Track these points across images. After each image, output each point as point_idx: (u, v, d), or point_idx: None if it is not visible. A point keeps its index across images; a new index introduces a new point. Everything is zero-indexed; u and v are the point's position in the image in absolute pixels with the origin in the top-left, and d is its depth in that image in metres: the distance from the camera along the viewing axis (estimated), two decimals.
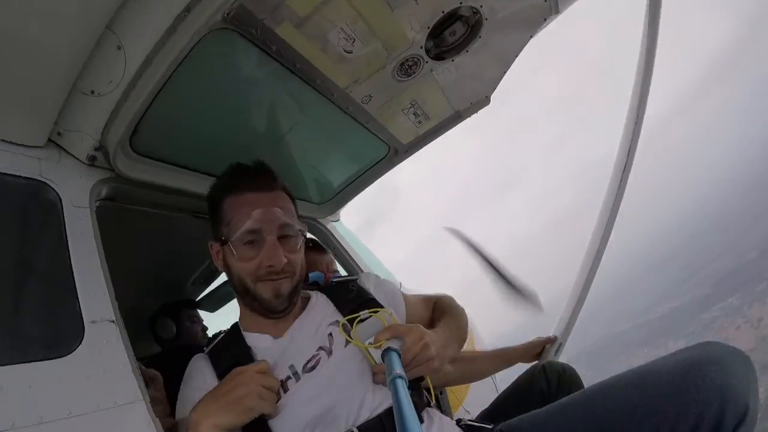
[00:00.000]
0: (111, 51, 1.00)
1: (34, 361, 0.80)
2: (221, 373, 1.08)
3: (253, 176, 1.15)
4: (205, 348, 1.20)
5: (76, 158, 1.10)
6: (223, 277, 2.30)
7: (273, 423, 0.98)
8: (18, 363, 0.78)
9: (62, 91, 1.00)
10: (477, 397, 1.95)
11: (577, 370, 1.63)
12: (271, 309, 1.12)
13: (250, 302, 1.14)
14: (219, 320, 2.48)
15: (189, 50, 1.04)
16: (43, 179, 0.99)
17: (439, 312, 1.36)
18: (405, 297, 1.35)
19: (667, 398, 0.82)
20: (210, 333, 2.21)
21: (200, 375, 1.11)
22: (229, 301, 2.40)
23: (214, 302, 2.37)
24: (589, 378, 1.44)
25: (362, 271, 2.27)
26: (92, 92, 1.04)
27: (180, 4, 0.97)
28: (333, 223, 2.33)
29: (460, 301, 1.41)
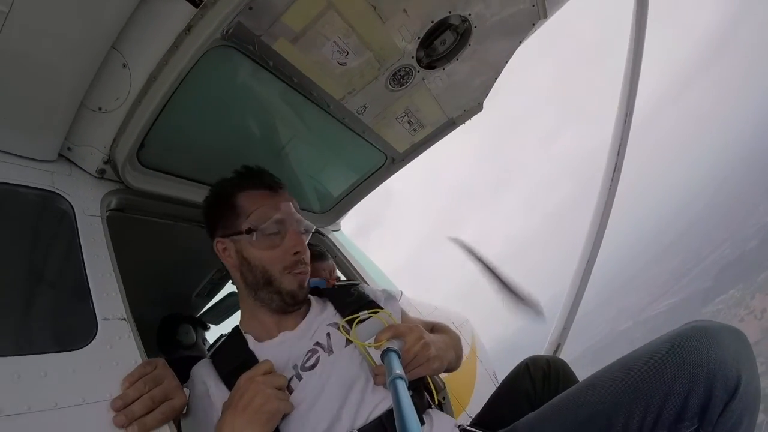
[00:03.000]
0: (117, 69, 1.06)
1: (50, 352, 0.85)
2: (225, 376, 1.09)
3: (266, 176, 1.23)
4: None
5: (86, 171, 1.16)
6: (225, 291, 2.33)
7: (283, 430, 0.99)
8: (34, 353, 0.83)
9: (71, 108, 1.06)
10: (480, 403, 1.95)
11: (582, 369, 1.61)
12: (294, 300, 1.16)
13: (269, 296, 1.15)
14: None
15: (191, 67, 1.10)
16: (56, 190, 1.04)
17: (437, 330, 1.39)
18: (404, 313, 1.37)
19: (650, 380, 0.81)
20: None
21: (202, 383, 1.11)
22: (232, 314, 2.43)
23: (218, 315, 2.41)
24: None
25: (365, 281, 2.30)
26: (100, 109, 1.10)
27: (181, 24, 1.04)
28: (334, 232, 2.37)
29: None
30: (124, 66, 1.06)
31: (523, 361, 1.44)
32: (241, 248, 1.16)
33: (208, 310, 2.36)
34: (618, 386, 0.86)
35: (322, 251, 1.75)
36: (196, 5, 1.03)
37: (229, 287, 2.21)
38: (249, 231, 1.14)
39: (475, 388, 2.28)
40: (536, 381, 1.34)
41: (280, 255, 1.14)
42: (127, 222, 1.36)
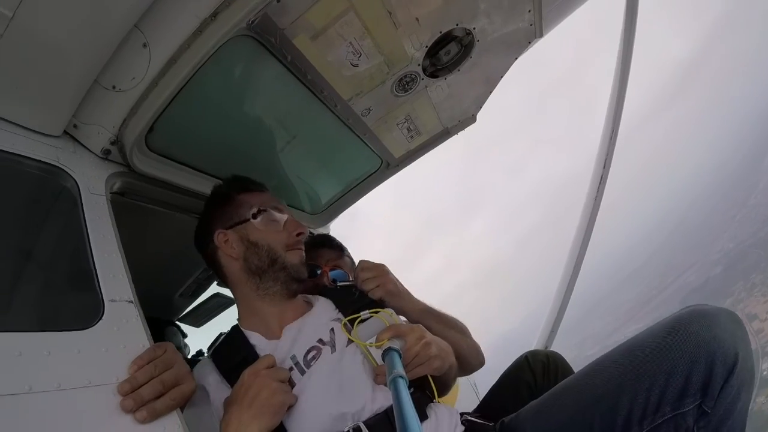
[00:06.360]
0: (137, 48, 1.04)
1: (54, 330, 0.80)
2: (226, 373, 1.09)
3: (260, 184, 1.37)
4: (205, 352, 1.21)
5: (90, 151, 1.11)
6: (207, 293, 2.25)
7: (287, 423, 0.99)
8: (36, 331, 0.79)
9: (84, 84, 1.03)
10: (464, 403, 1.98)
11: None
12: (299, 276, 1.23)
13: (274, 275, 1.20)
14: None
15: (211, 54, 1.10)
16: (61, 166, 1.00)
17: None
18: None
19: (653, 362, 0.85)
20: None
21: (203, 380, 1.10)
22: (214, 316, 2.35)
23: (199, 317, 2.32)
24: None
25: None
26: (114, 87, 1.07)
27: (208, 9, 1.04)
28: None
29: None
30: (145, 46, 1.05)
31: (522, 355, 1.49)
32: (247, 234, 1.22)
33: (189, 311, 2.27)
34: (622, 369, 0.90)
35: (341, 245, 1.74)
36: None
37: (214, 288, 2.15)
38: (256, 215, 1.22)
39: (458, 398, 2.31)
40: (536, 372, 1.38)
41: (285, 235, 1.24)
42: (123, 208, 1.31)
